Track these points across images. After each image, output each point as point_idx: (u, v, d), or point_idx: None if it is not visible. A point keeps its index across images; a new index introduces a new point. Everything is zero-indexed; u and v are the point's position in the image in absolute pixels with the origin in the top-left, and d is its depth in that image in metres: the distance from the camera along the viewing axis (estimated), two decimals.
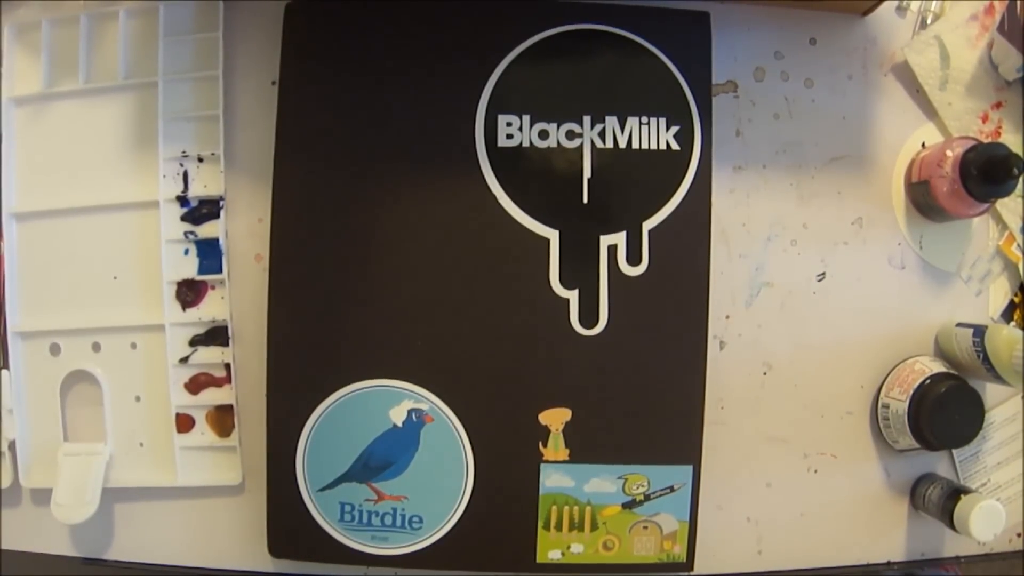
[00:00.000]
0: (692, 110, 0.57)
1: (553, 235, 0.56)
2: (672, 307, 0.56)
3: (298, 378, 0.57)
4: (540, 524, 0.57)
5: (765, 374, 0.61)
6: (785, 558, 0.60)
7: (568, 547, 0.57)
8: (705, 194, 0.57)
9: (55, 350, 0.60)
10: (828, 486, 0.61)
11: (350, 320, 0.56)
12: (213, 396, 0.60)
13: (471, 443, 0.56)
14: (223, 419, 0.60)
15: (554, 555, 0.57)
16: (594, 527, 0.57)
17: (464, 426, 0.56)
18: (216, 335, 0.59)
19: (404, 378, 0.56)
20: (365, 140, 0.57)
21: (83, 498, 0.58)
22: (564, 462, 0.57)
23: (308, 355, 0.56)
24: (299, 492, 0.56)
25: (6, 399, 0.59)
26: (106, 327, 0.59)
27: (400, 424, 0.56)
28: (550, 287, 0.56)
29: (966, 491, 0.58)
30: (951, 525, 0.57)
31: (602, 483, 0.57)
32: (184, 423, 0.60)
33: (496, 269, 0.56)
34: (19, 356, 0.60)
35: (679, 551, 0.57)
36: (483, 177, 0.56)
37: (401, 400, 0.56)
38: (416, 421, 0.56)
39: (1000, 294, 0.62)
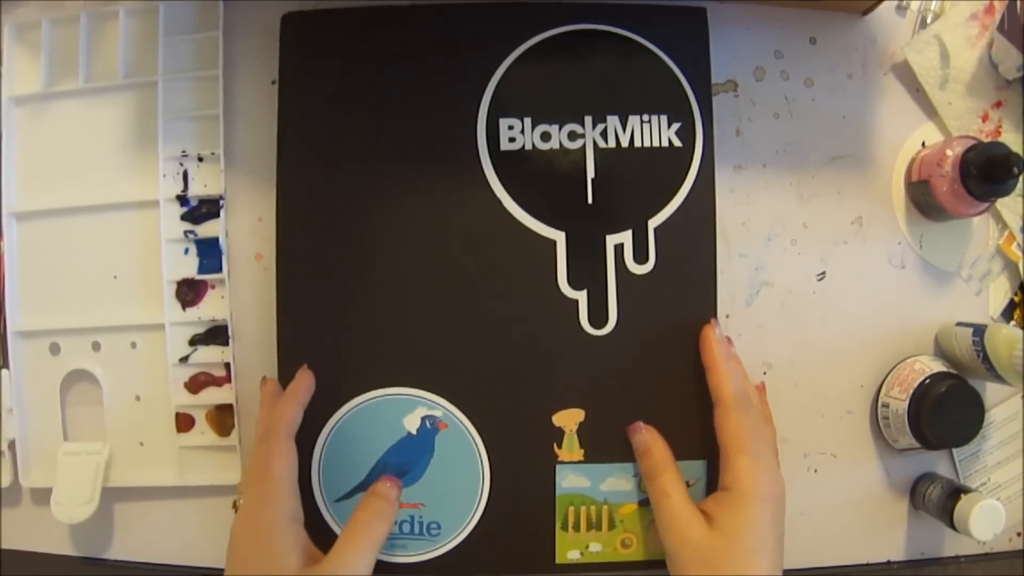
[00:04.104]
0: (693, 106, 0.57)
1: (559, 236, 0.56)
2: (681, 303, 0.56)
3: None
4: (558, 525, 0.57)
5: (765, 373, 0.61)
6: (785, 557, 0.60)
7: (586, 547, 0.57)
8: (708, 190, 0.57)
9: (55, 349, 0.60)
10: (828, 485, 0.61)
11: (359, 330, 0.56)
12: (213, 395, 0.60)
13: (486, 447, 0.56)
14: (223, 418, 0.60)
15: (573, 555, 0.57)
16: (612, 526, 0.57)
17: (478, 431, 0.56)
18: (216, 334, 0.59)
19: (416, 385, 0.56)
20: (366, 148, 0.57)
21: (83, 497, 0.58)
22: (579, 462, 0.57)
23: (319, 367, 0.56)
24: (315, 503, 0.56)
25: (6, 398, 0.59)
26: (106, 326, 0.59)
27: (414, 432, 0.56)
28: (558, 288, 0.56)
29: (966, 490, 0.58)
30: (951, 524, 0.57)
31: (618, 482, 0.57)
32: (184, 422, 0.60)
33: (504, 272, 0.56)
34: (19, 355, 0.60)
35: None
36: (487, 181, 0.56)
37: (414, 408, 0.56)
38: (430, 428, 0.56)
39: (1000, 293, 0.62)
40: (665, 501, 0.53)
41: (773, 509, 0.51)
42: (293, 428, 0.54)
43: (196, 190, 0.59)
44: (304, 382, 0.55)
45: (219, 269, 0.59)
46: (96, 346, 0.60)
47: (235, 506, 0.54)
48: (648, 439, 0.55)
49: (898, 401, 0.58)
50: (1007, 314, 0.62)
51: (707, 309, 0.57)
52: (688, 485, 0.55)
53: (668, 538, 0.52)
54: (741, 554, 0.50)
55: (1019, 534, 0.63)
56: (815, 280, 0.61)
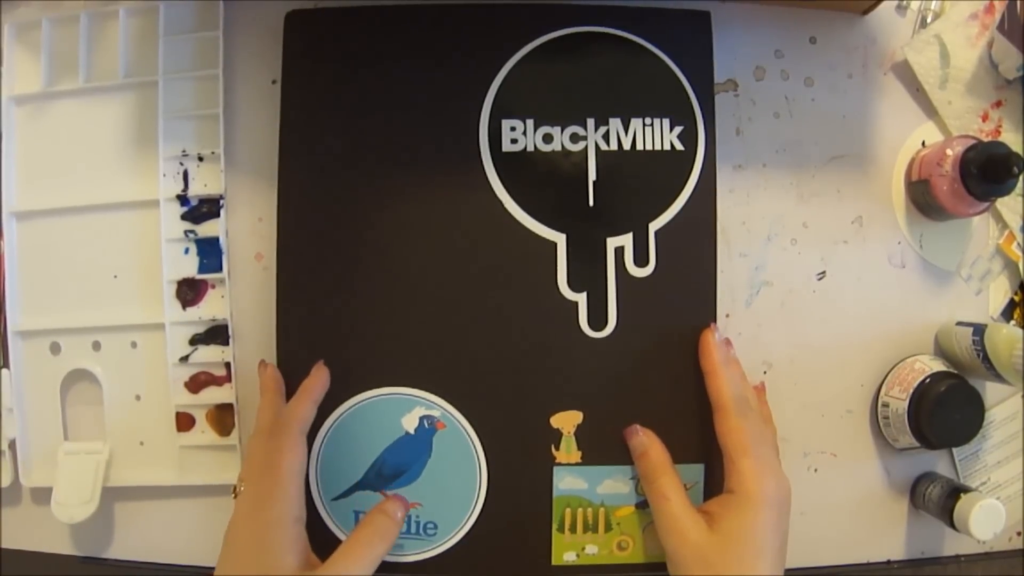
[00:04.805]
0: (695, 110, 0.57)
1: (560, 238, 0.56)
2: (680, 307, 0.56)
3: None
4: (554, 527, 0.57)
5: (765, 373, 0.61)
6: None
7: (583, 549, 0.57)
8: (710, 194, 0.57)
9: (55, 349, 0.60)
10: (828, 485, 0.61)
11: (359, 329, 0.56)
12: (213, 395, 0.60)
13: (483, 448, 0.56)
14: (223, 418, 0.60)
15: (569, 557, 0.57)
16: (608, 528, 0.57)
17: (476, 431, 0.56)
18: (216, 334, 0.59)
19: (415, 385, 0.56)
20: (368, 148, 0.57)
21: (83, 497, 0.58)
22: (577, 464, 0.57)
23: None
24: (313, 501, 0.56)
25: (6, 398, 0.59)
26: (106, 326, 0.59)
27: (412, 431, 0.56)
28: (558, 290, 0.56)
29: (966, 490, 0.58)
30: (951, 524, 0.57)
31: (615, 484, 0.57)
32: (184, 422, 0.60)
33: (504, 274, 0.56)
34: (19, 355, 0.60)
35: None
36: (488, 182, 0.56)
37: (413, 407, 0.56)
38: (428, 428, 0.56)
39: (1000, 293, 0.62)
40: (664, 504, 0.53)
41: (777, 512, 0.52)
42: (306, 426, 0.54)
43: (196, 190, 0.59)
44: (319, 379, 0.56)
45: (219, 269, 0.59)
46: (96, 346, 0.60)
47: (235, 492, 0.53)
48: (645, 442, 0.55)
49: (898, 400, 0.58)
50: (1007, 313, 0.62)
51: (706, 313, 0.57)
52: (686, 488, 0.55)
53: (668, 540, 0.52)
54: (744, 557, 0.50)
55: (1019, 533, 0.63)
56: (815, 280, 0.61)
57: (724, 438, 0.53)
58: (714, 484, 0.56)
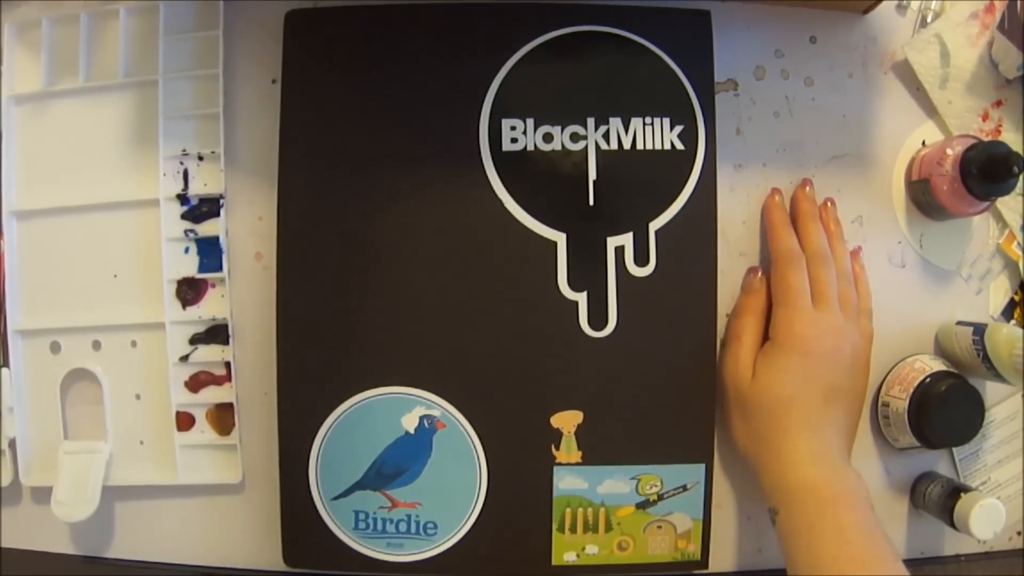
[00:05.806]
0: (695, 109, 0.57)
1: (560, 238, 0.56)
2: (680, 307, 0.57)
3: (308, 388, 0.57)
4: (554, 526, 0.57)
5: None
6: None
7: (583, 549, 0.57)
8: (710, 193, 0.57)
9: (55, 348, 0.60)
10: None
11: (359, 328, 0.56)
12: (213, 394, 0.60)
13: (483, 448, 0.57)
14: (223, 417, 0.60)
15: (569, 557, 0.57)
16: (608, 528, 0.57)
17: (476, 431, 0.56)
18: (216, 333, 0.59)
19: (415, 385, 0.56)
20: (368, 147, 0.57)
21: (83, 496, 0.58)
22: (577, 464, 0.57)
23: (318, 365, 0.57)
24: (312, 501, 0.56)
25: (6, 397, 0.59)
26: (106, 325, 0.59)
27: (412, 431, 0.56)
28: (559, 290, 0.56)
29: (966, 489, 0.58)
30: (951, 523, 0.57)
31: (615, 484, 0.57)
32: (184, 421, 0.60)
33: (504, 273, 0.56)
34: (19, 354, 0.60)
35: (693, 549, 0.58)
36: (488, 182, 0.56)
37: (412, 407, 0.56)
38: (428, 427, 0.56)
39: (1000, 292, 0.62)
40: (735, 342, 0.57)
41: (807, 361, 0.53)
42: None
43: (196, 189, 0.59)
44: None
45: (219, 268, 0.59)
46: (96, 345, 0.60)
47: None
48: (757, 284, 0.58)
49: (898, 400, 0.58)
50: (1007, 313, 0.62)
51: (707, 313, 0.57)
52: (685, 489, 0.55)
53: (724, 377, 0.57)
54: (772, 404, 0.53)
55: (1019, 533, 0.63)
56: None
57: (771, 289, 0.57)
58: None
